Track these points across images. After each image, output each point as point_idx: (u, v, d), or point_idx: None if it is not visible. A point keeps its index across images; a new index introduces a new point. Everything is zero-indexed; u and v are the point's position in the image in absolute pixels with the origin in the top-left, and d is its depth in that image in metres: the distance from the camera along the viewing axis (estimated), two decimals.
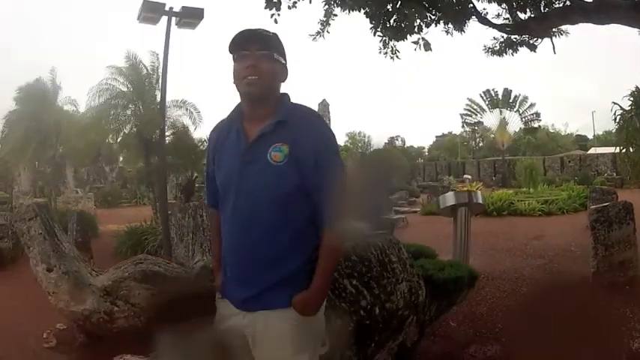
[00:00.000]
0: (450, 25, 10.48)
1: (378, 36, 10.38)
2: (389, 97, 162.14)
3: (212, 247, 3.30)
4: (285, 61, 2.86)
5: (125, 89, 19.34)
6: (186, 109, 21.65)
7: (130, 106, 19.11)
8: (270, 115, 2.74)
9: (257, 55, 2.70)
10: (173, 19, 13.56)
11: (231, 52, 2.80)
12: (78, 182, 33.39)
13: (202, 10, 13.82)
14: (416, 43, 10.31)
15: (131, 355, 5.10)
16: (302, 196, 2.68)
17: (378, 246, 4.65)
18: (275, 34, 2.79)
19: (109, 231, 16.16)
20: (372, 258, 4.51)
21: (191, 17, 13.76)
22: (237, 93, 2.81)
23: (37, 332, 6.68)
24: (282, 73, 2.84)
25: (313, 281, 2.69)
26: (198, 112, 21.97)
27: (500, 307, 7.28)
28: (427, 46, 10.26)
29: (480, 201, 10.37)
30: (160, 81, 15.14)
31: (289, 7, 9.39)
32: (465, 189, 15.15)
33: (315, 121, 2.83)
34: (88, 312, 5.60)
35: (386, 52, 10.53)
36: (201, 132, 24.43)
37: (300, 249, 2.71)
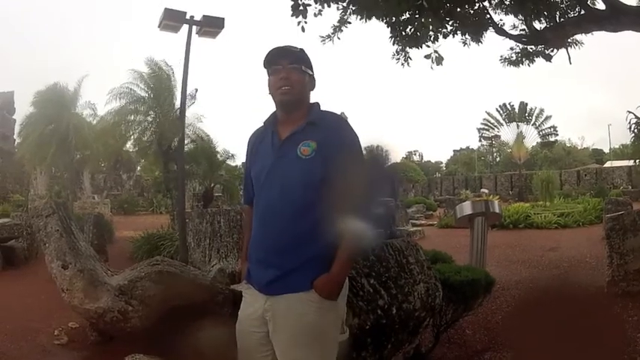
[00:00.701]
0: (467, 36, 10.46)
1: (397, 44, 10.38)
2: (407, 110, 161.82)
3: (243, 240, 3.58)
4: (312, 72, 3.20)
5: (145, 95, 19.39)
6: (204, 117, 21.73)
7: (150, 112, 19.16)
8: (301, 119, 3.07)
9: (288, 68, 3.05)
10: (194, 27, 13.61)
11: (265, 68, 3.15)
12: (95, 189, 33.52)
13: (223, 19, 13.88)
14: (428, 57, 10.26)
15: (143, 355, 5.11)
16: (326, 187, 2.88)
17: (397, 247, 4.71)
18: (302, 49, 3.14)
19: (125, 237, 16.21)
20: (390, 258, 4.56)
21: (212, 26, 13.82)
22: (264, 102, 3.20)
23: (48, 330, 6.71)
24: (310, 83, 3.19)
25: (333, 264, 2.88)
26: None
27: (514, 316, 7.23)
28: (439, 60, 10.21)
29: (497, 210, 10.32)
30: (180, 89, 15.20)
31: (315, 15, 9.39)
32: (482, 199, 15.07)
33: (343, 124, 3.11)
34: (101, 310, 5.59)
35: (398, 58, 10.52)
36: (222, 143, 24.67)
37: (321, 235, 2.87)
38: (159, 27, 13.81)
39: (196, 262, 8.74)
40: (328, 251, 2.89)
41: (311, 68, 3.16)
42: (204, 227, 10.56)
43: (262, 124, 3.30)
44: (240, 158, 25.01)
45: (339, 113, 3.17)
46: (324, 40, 10.19)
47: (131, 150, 23.31)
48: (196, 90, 20.85)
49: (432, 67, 10.11)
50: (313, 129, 3.00)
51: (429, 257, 5.34)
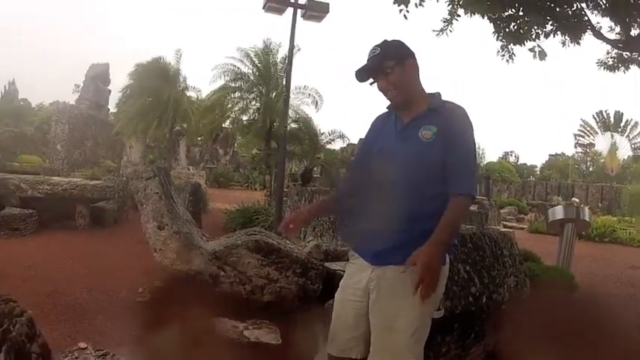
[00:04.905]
0: (566, 37, 10.30)
1: (500, 40, 10.31)
2: (506, 109, 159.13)
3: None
4: (405, 57, 3.20)
5: (249, 72, 19.57)
6: (309, 95, 21.76)
7: (254, 90, 19.34)
8: (423, 105, 3.17)
9: (380, 77, 3.18)
10: (299, 11, 13.70)
11: None
12: (190, 161, 33.91)
13: (328, 4, 13.95)
14: (532, 50, 10.18)
15: (228, 319, 5.23)
16: (441, 170, 3.04)
17: (493, 238, 4.80)
18: (384, 45, 3.20)
19: (219, 208, 16.37)
20: (486, 248, 4.65)
21: (317, 10, 13.88)
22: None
23: (131, 287, 6.84)
24: (409, 72, 3.20)
25: (433, 235, 2.92)
26: (320, 95, 22.09)
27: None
28: (542, 55, 10.13)
29: (587, 218, 10.22)
30: (285, 69, 15.33)
31: (416, 6, 9.37)
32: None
33: (461, 112, 3.16)
34: (192, 272, 5.77)
35: (503, 55, 10.43)
36: (322, 120, 24.69)
37: (433, 214, 2.99)
38: (263, 8, 13.95)
39: (292, 238, 8.90)
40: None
41: (402, 56, 3.19)
42: (302, 205, 10.72)
43: (386, 109, 3.39)
44: (339, 143, 25.14)
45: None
46: (437, 34, 10.18)
47: (230, 126, 23.51)
48: (317, 93, 21.24)
49: (534, 58, 10.05)
50: (434, 115, 3.10)
51: (520, 254, 5.34)
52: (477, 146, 3.27)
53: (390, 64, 3.12)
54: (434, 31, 10.15)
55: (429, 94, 3.24)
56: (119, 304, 6.24)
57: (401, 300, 2.97)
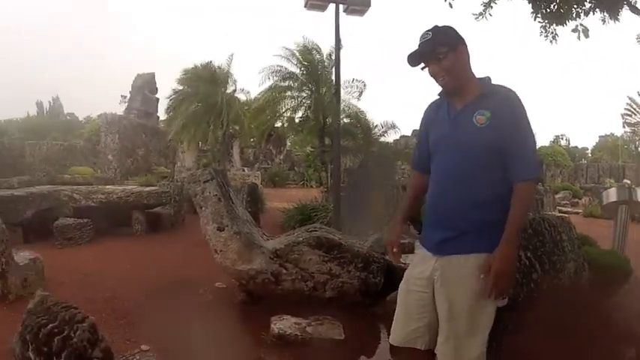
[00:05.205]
0: (605, 13, 10.17)
1: (539, 22, 10.22)
2: (554, 92, 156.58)
3: (403, 201, 3.75)
4: (457, 43, 3.18)
5: (298, 72, 19.64)
6: (356, 87, 21.69)
7: (304, 88, 19.41)
8: (475, 91, 3.15)
9: (432, 62, 3.17)
10: (341, 6, 13.74)
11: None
12: (244, 162, 34.04)
13: None
14: (575, 30, 10.06)
15: (290, 316, 5.29)
16: (499, 154, 3.02)
17: (552, 223, 4.74)
18: (436, 31, 3.18)
19: (276, 207, 16.40)
20: (545, 233, 4.59)
21: (358, 4, 13.90)
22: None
23: (191, 289, 6.86)
24: (461, 57, 3.18)
25: (505, 229, 2.93)
26: (365, 84, 21.91)
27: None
28: (586, 32, 9.99)
29: None
30: (334, 65, 15.35)
31: None
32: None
33: (513, 95, 3.11)
34: (254, 272, 5.80)
35: (547, 35, 10.34)
36: (374, 113, 24.61)
37: (495, 200, 3.02)
38: (305, 6, 14.00)
39: (351, 233, 8.92)
40: (500, 216, 2.97)
41: (454, 42, 3.17)
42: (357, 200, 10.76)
43: (437, 96, 3.40)
44: (392, 135, 24.99)
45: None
46: (477, 18, 10.10)
47: (282, 126, 23.58)
48: (364, 85, 21.11)
49: (578, 39, 9.93)
50: (486, 100, 3.09)
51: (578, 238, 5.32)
52: (528, 118, 3.15)
53: (442, 50, 3.11)
54: (473, 14, 10.06)
55: (479, 78, 3.24)
56: (179, 307, 6.26)
57: (465, 289, 2.98)
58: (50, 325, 3.02)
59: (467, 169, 3.06)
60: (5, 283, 6.21)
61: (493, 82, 3.21)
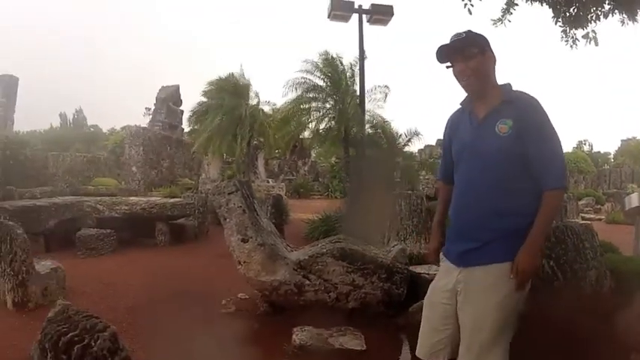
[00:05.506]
0: (624, 15, 10.11)
1: (559, 26, 10.17)
2: (576, 96, 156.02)
3: (436, 214, 3.75)
4: (486, 48, 3.21)
5: (322, 83, 19.68)
6: (380, 92, 21.67)
7: (329, 99, 19.45)
8: (496, 99, 3.16)
9: (459, 60, 3.19)
10: (364, 16, 13.80)
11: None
12: (269, 173, 34.21)
13: (392, 7, 14.10)
14: (586, 37, 10.02)
15: (312, 327, 5.28)
16: (523, 163, 3.03)
17: (575, 230, 4.71)
18: (468, 32, 3.20)
19: (300, 218, 16.36)
20: (568, 241, 4.58)
21: (381, 14, 13.97)
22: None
23: (214, 300, 6.82)
24: (488, 62, 3.22)
25: (529, 237, 2.95)
26: (388, 87, 21.89)
27: None
28: (596, 40, 9.98)
29: None
30: (358, 75, 15.40)
31: None
32: None
33: (535, 102, 3.11)
34: (277, 283, 5.80)
35: (567, 40, 10.29)
36: (398, 123, 24.62)
37: (519, 209, 3.03)
38: (328, 17, 14.11)
39: (375, 244, 8.92)
40: (523, 225, 2.98)
41: (483, 46, 3.20)
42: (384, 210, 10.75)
43: (459, 106, 3.43)
44: (417, 144, 24.96)
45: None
46: (495, 23, 10.06)
47: (307, 137, 23.66)
48: (387, 87, 21.13)
49: (585, 44, 9.90)
50: (508, 108, 3.08)
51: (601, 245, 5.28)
52: (552, 125, 3.14)
53: (473, 51, 3.14)
54: (492, 20, 10.01)
55: (500, 85, 3.24)
56: (201, 318, 6.24)
57: (488, 301, 2.99)
58: (70, 334, 3.03)
59: (489, 179, 3.07)
60: (25, 292, 6.28)
61: (515, 88, 3.20)
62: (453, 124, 3.46)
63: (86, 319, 3.17)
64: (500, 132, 3.05)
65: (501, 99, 3.14)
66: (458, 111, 3.46)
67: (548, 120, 3.08)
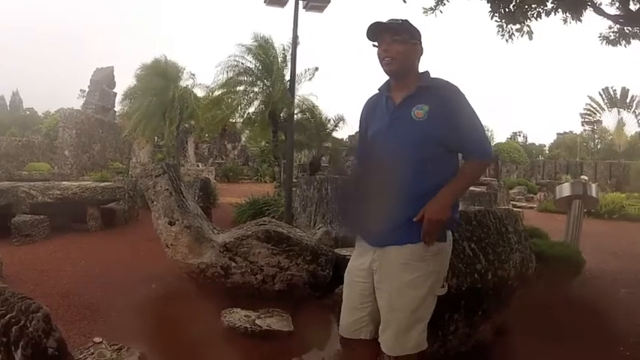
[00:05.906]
0: (567, 14, 10.26)
1: (495, 21, 10.26)
2: (512, 89, 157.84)
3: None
4: (418, 40, 3.32)
5: (253, 67, 19.58)
6: (310, 75, 21.58)
7: (258, 83, 19.35)
8: (413, 85, 3.22)
9: (388, 41, 3.22)
10: (301, 2, 13.75)
11: (370, 40, 3.33)
12: (198, 157, 33.99)
13: None
14: (520, 31, 10.16)
15: (240, 309, 5.33)
16: (439, 147, 3.13)
17: (497, 215, 4.82)
18: (404, 21, 3.28)
19: (229, 202, 16.45)
20: (490, 225, 4.66)
21: (318, 1, 13.93)
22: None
23: (143, 284, 6.93)
24: (414, 51, 3.30)
25: (442, 189, 3.08)
26: (317, 68, 21.81)
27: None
28: (530, 35, 10.13)
29: (594, 195, 10.18)
30: (290, 60, 15.36)
31: None
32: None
33: (452, 87, 3.21)
34: (204, 265, 5.89)
35: (503, 34, 10.40)
36: (328, 109, 24.63)
37: (429, 192, 3.07)
38: (265, 2, 14.02)
39: (301, 227, 8.94)
40: None
41: (414, 37, 3.27)
42: (311, 193, 10.87)
43: (377, 91, 3.49)
44: (346, 129, 25.04)
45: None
46: (426, 12, 10.10)
47: (237, 121, 23.48)
48: (316, 69, 21.02)
49: (518, 37, 10.05)
50: (425, 93, 3.15)
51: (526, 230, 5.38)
52: (469, 103, 3.23)
53: (404, 36, 3.21)
54: (423, 9, 10.05)
55: (419, 73, 3.32)
56: (133, 302, 6.30)
57: (403, 280, 3.05)
58: (8, 316, 3.06)
59: (402, 163, 3.09)
60: None
61: (453, 81, 3.25)
62: (370, 109, 3.51)
63: (21, 301, 3.18)
64: (416, 117, 3.12)
65: (419, 84, 3.21)
66: (375, 95, 3.51)
67: (466, 102, 3.18)
